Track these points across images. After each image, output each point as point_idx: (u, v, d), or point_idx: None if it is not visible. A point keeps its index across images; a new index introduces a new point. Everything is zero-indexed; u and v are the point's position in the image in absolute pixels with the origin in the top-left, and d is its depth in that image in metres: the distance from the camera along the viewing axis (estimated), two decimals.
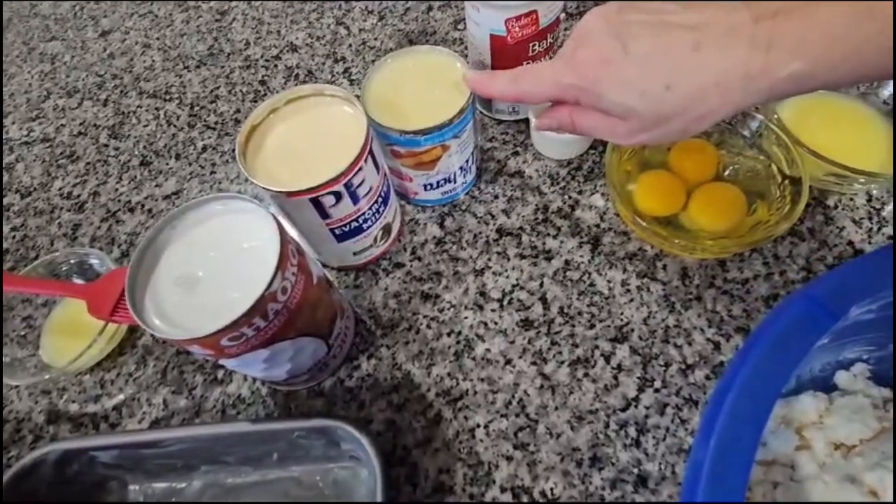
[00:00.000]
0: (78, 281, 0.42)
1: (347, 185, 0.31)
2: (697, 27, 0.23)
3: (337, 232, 0.35)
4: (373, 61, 0.48)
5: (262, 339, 0.26)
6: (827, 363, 0.28)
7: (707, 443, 0.22)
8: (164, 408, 0.37)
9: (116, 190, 0.49)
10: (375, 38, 0.55)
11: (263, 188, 0.30)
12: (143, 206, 0.47)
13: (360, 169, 0.31)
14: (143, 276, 0.26)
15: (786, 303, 0.21)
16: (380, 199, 0.35)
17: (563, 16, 0.40)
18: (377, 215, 0.36)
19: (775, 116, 0.36)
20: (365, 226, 0.36)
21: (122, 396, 0.38)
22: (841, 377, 0.28)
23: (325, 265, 0.41)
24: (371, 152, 0.32)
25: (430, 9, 0.57)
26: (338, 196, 0.31)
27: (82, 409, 0.38)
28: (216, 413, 0.36)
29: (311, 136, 0.33)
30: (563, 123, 0.29)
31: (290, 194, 0.30)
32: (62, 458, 0.30)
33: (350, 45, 0.55)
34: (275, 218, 0.27)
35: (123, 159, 0.51)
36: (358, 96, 0.33)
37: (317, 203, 0.31)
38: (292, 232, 0.38)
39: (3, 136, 0.55)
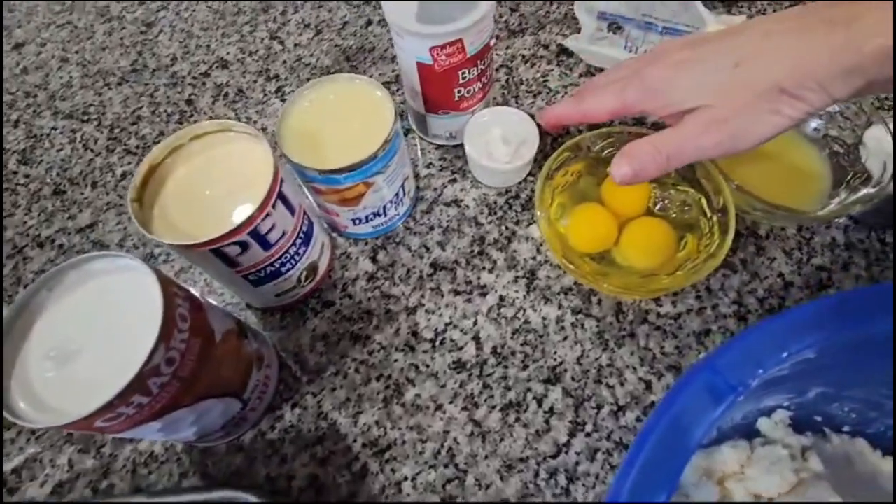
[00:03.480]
0: None
1: (254, 234, 0.29)
2: (769, 30, 0.24)
3: (251, 278, 0.32)
4: (308, 79, 0.45)
5: (148, 414, 0.24)
6: (748, 411, 0.28)
7: None
8: (69, 469, 0.34)
9: (25, 223, 0.45)
10: (311, 55, 0.53)
11: (157, 241, 0.27)
12: (53, 241, 0.44)
13: (267, 215, 0.29)
14: (11, 351, 0.24)
15: (689, 375, 0.20)
16: (299, 241, 0.33)
17: (493, 42, 0.38)
18: (297, 257, 0.34)
19: None
20: (283, 269, 0.33)
21: (22, 458, 0.35)
22: (763, 424, 0.28)
23: (248, 305, 0.39)
24: (281, 195, 0.30)
25: (369, 23, 0.54)
26: (244, 245, 0.29)
27: None
28: (126, 473, 0.34)
29: (216, 178, 0.31)
30: (645, 160, 0.28)
31: (187, 247, 0.27)
32: None
33: (284, 62, 0.53)
34: (160, 279, 0.24)
35: (34, 188, 0.47)
36: (266, 130, 0.31)
37: (220, 254, 0.29)
38: (203, 276, 0.36)
39: None
